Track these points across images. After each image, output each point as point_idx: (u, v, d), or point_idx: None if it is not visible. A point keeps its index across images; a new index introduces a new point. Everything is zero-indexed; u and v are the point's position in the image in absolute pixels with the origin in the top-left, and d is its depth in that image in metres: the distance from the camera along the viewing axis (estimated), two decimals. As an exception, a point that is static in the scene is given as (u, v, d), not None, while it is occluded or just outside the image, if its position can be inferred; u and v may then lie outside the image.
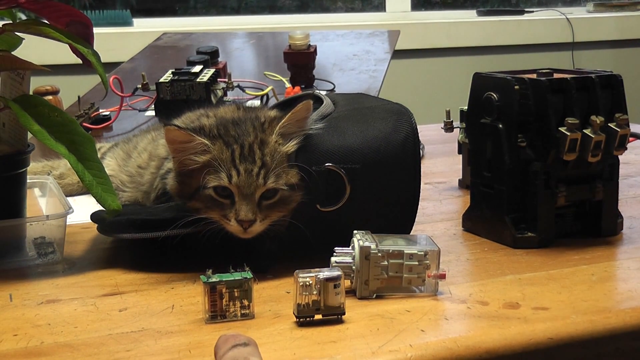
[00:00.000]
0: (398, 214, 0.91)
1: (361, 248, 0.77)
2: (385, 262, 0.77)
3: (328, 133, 0.88)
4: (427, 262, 0.78)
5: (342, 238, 0.81)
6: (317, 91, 1.07)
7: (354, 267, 0.78)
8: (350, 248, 0.79)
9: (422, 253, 0.78)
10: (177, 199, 0.87)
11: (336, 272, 0.72)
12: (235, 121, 0.87)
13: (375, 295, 0.78)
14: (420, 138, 0.91)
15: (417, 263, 0.78)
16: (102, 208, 0.86)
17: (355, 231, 0.81)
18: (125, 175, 1.02)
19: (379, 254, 0.77)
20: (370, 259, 0.77)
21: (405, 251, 0.78)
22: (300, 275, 0.71)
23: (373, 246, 0.77)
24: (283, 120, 0.85)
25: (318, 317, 0.71)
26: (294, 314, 0.72)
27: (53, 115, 0.84)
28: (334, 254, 0.79)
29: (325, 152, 0.86)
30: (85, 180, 0.83)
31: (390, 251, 0.78)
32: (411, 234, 0.91)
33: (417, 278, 0.78)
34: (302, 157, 0.86)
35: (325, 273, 0.71)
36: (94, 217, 0.91)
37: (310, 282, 0.71)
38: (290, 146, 0.86)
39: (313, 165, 0.85)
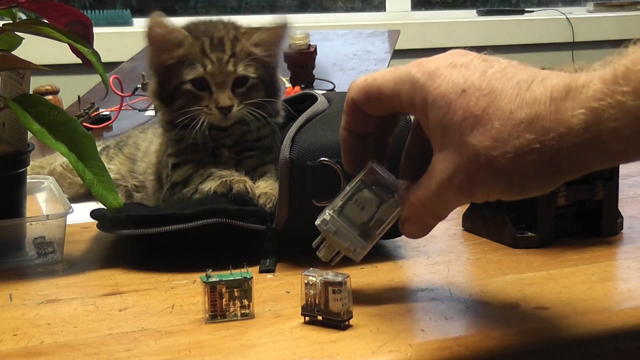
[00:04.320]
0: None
1: None
2: None
3: (322, 128, 0.88)
4: None
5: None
6: (314, 91, 1.07)
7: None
8: None
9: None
10: (160, 105, 0.96)
11: (339, 278, 0.69)
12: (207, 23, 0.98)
13: None
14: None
15: None
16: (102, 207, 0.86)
17: None
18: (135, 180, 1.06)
19: None
20: None
21: None
22: (306, 273, 0.71)
23: None
24: (259, 31, 0.96)
25: (320, 318, 0.71)
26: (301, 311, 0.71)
27: (53, 114, 0.84)
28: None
29: (319, 147, 0.86)
30: (85, 179, 0.84)
31: None
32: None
33: None
34: (297, 151, 0.86)
35: (328, 276, 0.70)
36: (94, 213, 0.91)
37: (313, 281, 0.70)
38: (260, 54, 0.96)
39: (308, 160, 0.85)
